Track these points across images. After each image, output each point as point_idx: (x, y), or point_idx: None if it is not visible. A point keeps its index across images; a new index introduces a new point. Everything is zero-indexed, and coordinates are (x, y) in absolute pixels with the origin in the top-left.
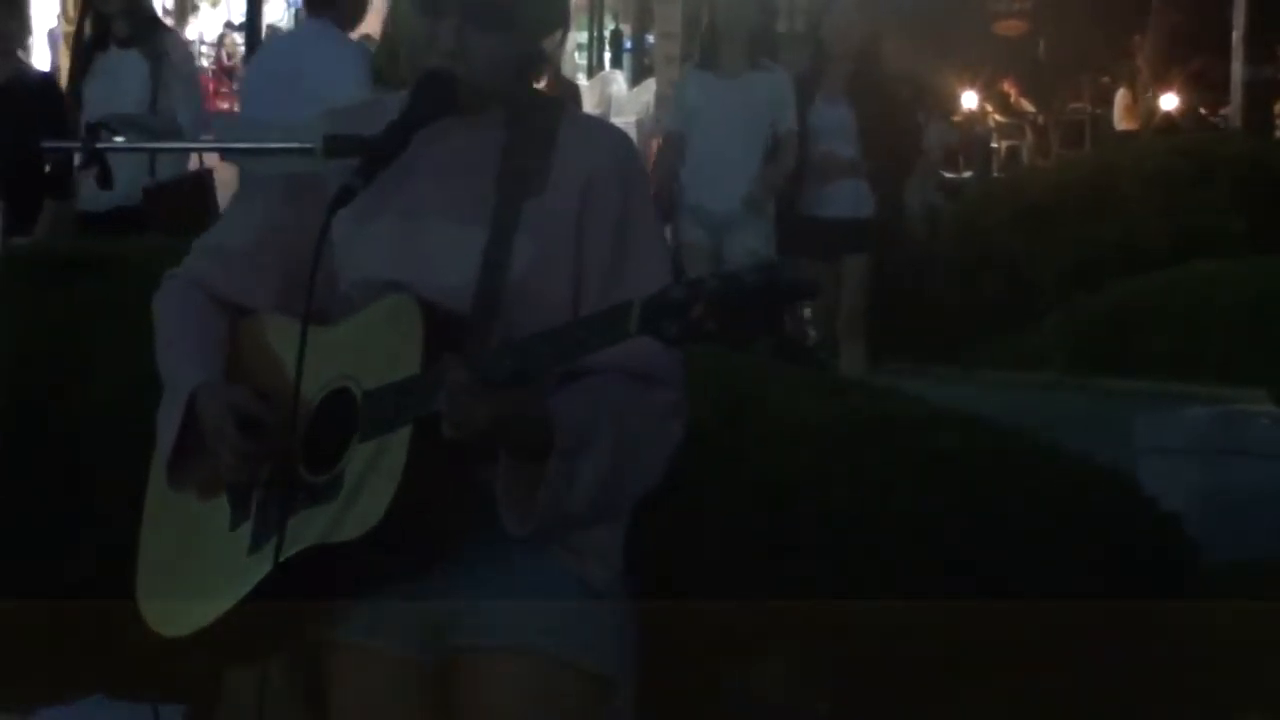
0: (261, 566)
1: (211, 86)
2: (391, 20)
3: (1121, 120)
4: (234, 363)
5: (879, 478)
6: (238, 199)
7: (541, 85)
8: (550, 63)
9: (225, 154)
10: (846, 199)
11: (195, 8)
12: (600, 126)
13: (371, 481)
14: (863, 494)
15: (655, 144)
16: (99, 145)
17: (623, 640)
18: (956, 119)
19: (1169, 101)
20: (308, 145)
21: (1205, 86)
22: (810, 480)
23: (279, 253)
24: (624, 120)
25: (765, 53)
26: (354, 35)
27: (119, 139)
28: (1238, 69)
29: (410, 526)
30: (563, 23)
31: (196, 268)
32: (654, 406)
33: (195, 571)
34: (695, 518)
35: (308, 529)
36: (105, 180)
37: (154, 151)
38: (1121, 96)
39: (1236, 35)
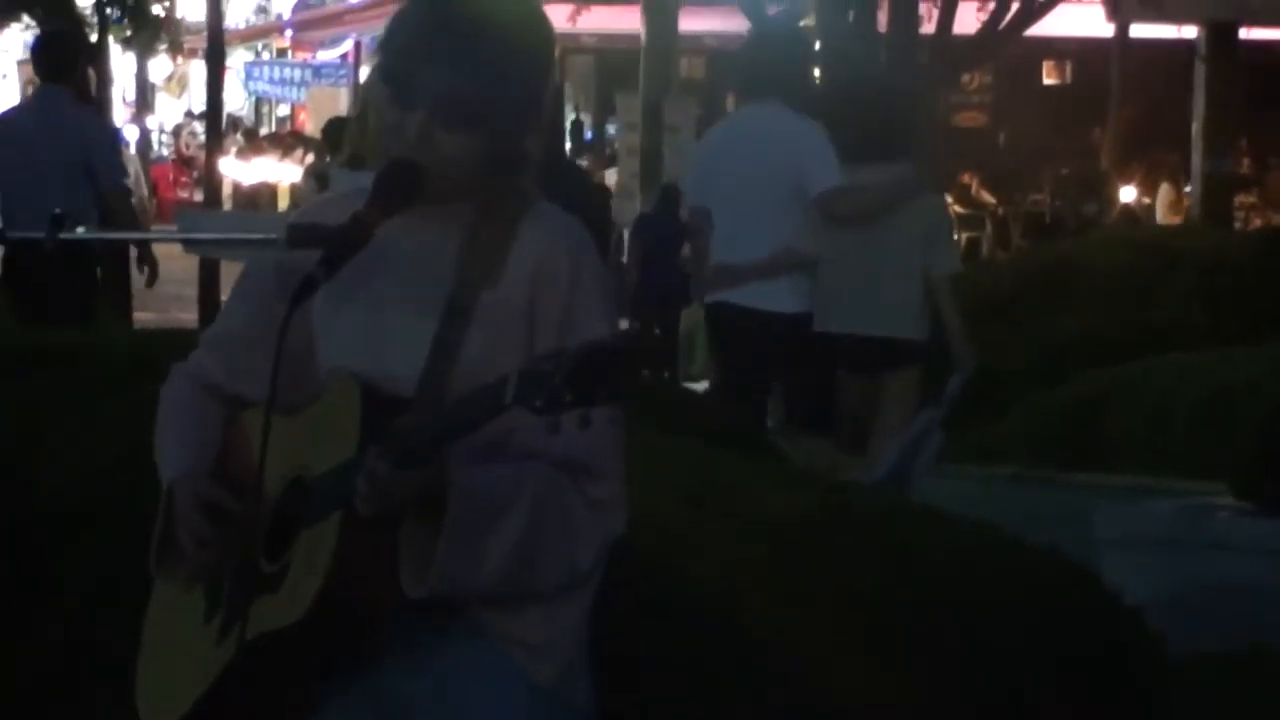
0: (223, 655)
1: (171, 175)
2: (365, 106)
3: (1165, 215)
4: (228, 455)
5: (838, 569)
6: (235, 290)
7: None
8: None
9: (188, 245)
10: None
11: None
12: (559, 218)
13: (305, 568)
14: (828, 583)
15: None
16: (62, 235)
17: None
18: None
19: (1128, 194)
20: (271, 236)
21: (1166, 179)
22: (768, 571)
23: (272, 340)
24: None
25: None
26: None
27: (81, 229)
28: (1197, 161)
29: (343, 611)
30: (536, 126)
31: (196, 360)
32: (583, 497)
33: (175, 663)
34: (652, 606)
35: (260, 619)
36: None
37: (118, 242)
38: (1165, 192)
39: (1195, 128)
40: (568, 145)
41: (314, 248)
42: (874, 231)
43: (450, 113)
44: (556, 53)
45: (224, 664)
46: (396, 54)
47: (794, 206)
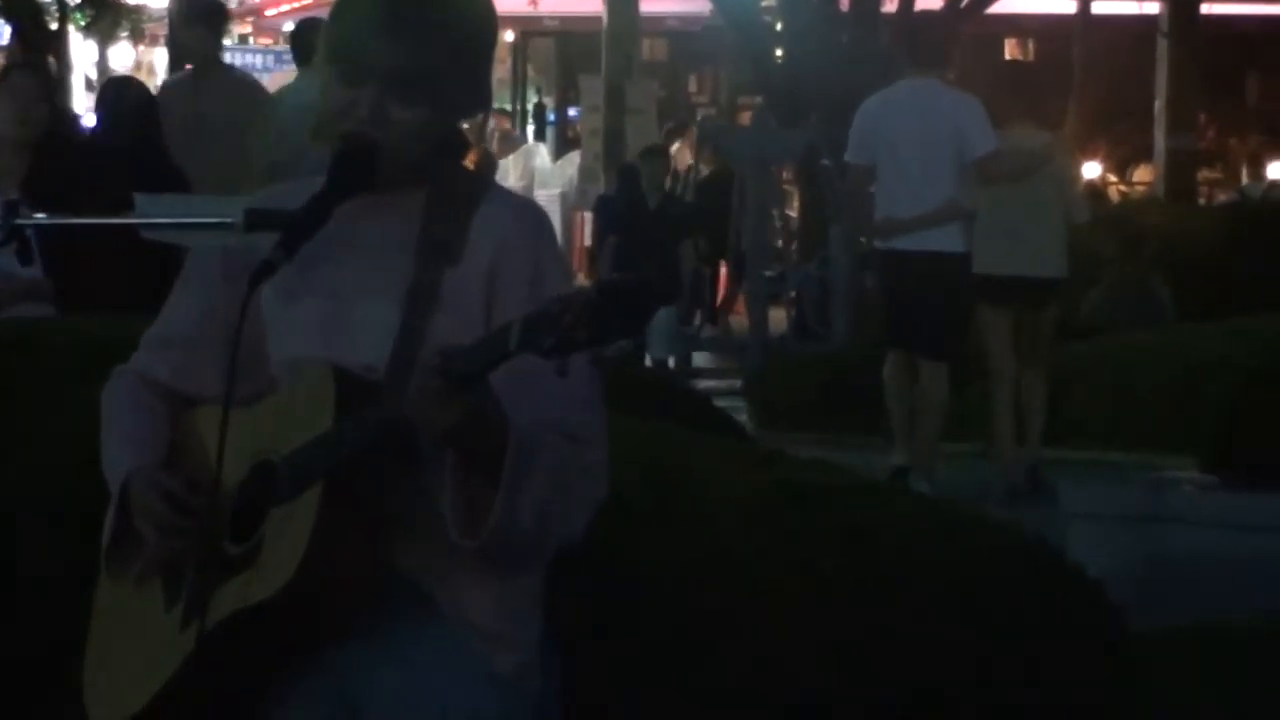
0: (186, 644)
1: None
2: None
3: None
4: (177, 452)
5: (804, 548)
6: (178, 287)
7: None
8: (475, 141)
9: (145, 230)
10: None
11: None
12: (516, 200)
13: (283, 541)
14: (787, 564)
15: (579, 216)
16: (18, 221)
17: None
18: None
19: (1091, 170)
20: (228, 220)
21: (1128, 156)
22: (736, 551)
23: (219, 335)
24: (548, 193)
25: None
26: None
27: (40, 215)
28: (1160, 138)
29: (317, 593)
30: (484, 105)
31: (139, 361)
32: (579, 460)
33: (129, 657)
34: (621, 589)
35: (229, 600)
36: (26, 257)
37: (75, 226)
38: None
39: (1158, 104)
40: (530, 128)
41: (272, 230)
42: (1026, 187)
43: (403, 86)
44: (504, 33)
45: (189, 649)
46: (343, 32)
47: (953, 167)
